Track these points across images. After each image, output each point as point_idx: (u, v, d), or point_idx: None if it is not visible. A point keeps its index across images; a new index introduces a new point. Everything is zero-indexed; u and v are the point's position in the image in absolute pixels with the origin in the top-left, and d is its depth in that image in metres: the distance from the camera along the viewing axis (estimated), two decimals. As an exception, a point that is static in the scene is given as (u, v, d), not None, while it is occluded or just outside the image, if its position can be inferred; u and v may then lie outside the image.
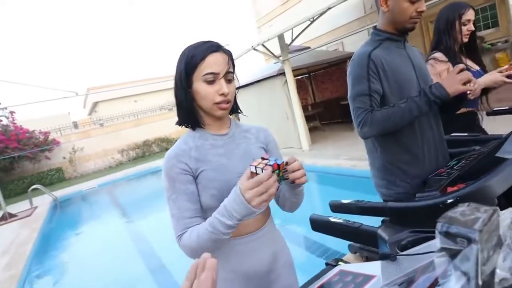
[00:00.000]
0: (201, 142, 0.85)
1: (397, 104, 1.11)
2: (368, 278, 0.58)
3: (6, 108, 10.87)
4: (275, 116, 7.16)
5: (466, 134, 1.47)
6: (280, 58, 6.30)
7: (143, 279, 3.14)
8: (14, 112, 11.16)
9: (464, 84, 1.02)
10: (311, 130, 7.69)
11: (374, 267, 0.64)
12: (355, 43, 8.32)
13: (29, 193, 7.71)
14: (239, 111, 0.95)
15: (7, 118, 10.97)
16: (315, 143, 6.93)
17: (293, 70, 6.47)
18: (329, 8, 4.58)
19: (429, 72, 1.68)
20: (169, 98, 19.47)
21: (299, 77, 10.00)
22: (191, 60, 0.78)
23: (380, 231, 0.87)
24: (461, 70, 1.03)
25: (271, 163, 0.68)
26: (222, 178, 0.80)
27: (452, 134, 1.51)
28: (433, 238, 0.67)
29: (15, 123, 11.05)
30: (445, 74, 1.65)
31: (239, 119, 9.75)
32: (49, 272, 4.03)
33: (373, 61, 1.15)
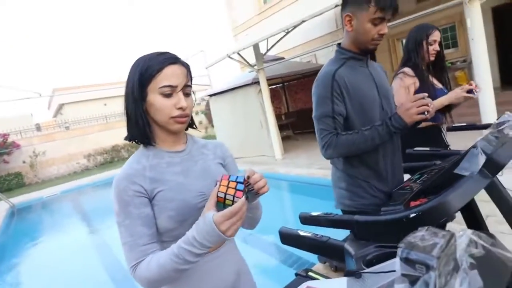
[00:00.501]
0: (156, 161, 0.79)
1: (361, 131, 1.14)
2: (333, 296, 0.58)
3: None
4: (249, 124, 7.19)
5: (428, 148, 1.55)
6: (255, 67, 6.37)
7: None
8: (-32, 112, 10.30)
9: (421, 111, 1.06)
10: (284, 139, 7.80)
11: (339, 284, 0.64)
12: (327, 56, 8.61)
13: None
14: (194, 126, 0.90)
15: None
16: (288, 152, 7.02)
17: (267, 80, 6.56)
18: (303, 21, 4.70)
19: (398, 85, 1.77)
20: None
21: (273, 87, 10.16)
22: (146, 71, 0.73)
23: (346, 245, 0.87)
24: (417, 99, 1.07)
25: (239, 186, 0.66)
26: (180, 198, 0.75)
27: (415, 148, 1.58)
28: (396, 254, 0.69)
29: (-32, 124, 10.19)
30: (412, 88, 1.74)
31: (212, 126, 9.65)
32: (4, 284, 3.73)
33: (337, 82, 1.16)
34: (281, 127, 7.64)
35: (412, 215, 0.84)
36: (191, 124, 0.88)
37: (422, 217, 0.82)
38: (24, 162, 11.47)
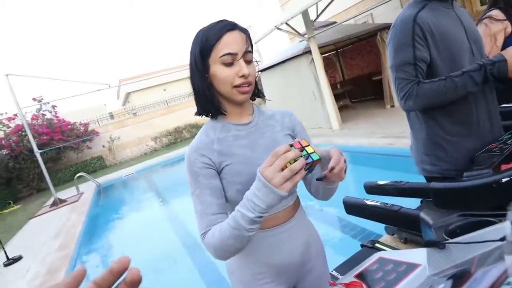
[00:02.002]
0: (223, 134, 0.79)
1: (450, 77, 0.99)
2: (411, 267, 0.53)
3: (48, 103, 11.63)
4: (302, 97, 6.98)
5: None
6: (305, 36, 6.05)
7: (179, 255, 3.37)
8: (56, 106, 11.92)
9: None
10: (341, 109, 7.42)
11: (417, 255, 0.58)
12: (386, 14, 7.76)
13: (75, 180, 8.32)
14: (261, 95, 0.88)
15: (50, 112, 11.75)
16: (346, 122, 6.69)
17: (319, 48, 6.20)
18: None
19: (482, 33, 1.49)
20: (197, 84, 19.67)
21: (326, 55, 9.61)
22: (206, 42, 0.72)
23: (423, 215, 0.79)
24: None
25: (309, 159, 0.60)
26: (248, 172, 0.74)
27: (502, 105, 1.35)
28: (486, 223, 0.60)
29: (57, 116, 11.82)
30: (501, 36, 1.46)
31: (265, 102, 9.64)
32: (96, 251, 4.40)
33: (419, 25, 1.03)
34: (337, 97, 7.26)
35: (504, 180, 0.72)
36: (258, 94, 0.86)
37: (518, 182, 0.70)
38: (103, 146, 13.03)
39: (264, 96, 0.90)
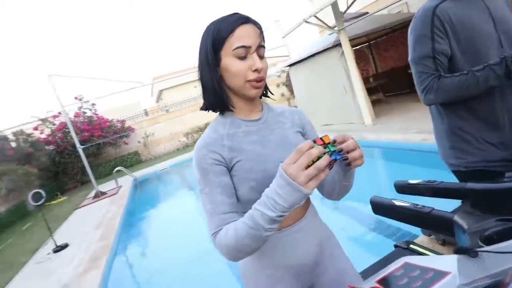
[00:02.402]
0: (233, 130, 0.77)
1: (471, 71, 0.94)
2: (440, 274, 0.50)
3: (88, 101, 12.41)
4: (332, 92, 6.82)
5: None
6: (335, 28, 5.88)
7: (212, 246, 3.47)
8: (95, 104, 12.69)
9: None
10: (374, 103, 7.15)
11: (447, 262, 0.55)
12: (422, 2, 7.31)
13: (114, 174, 8.83)
14: (269, 94, 0.86)
15: (90, 110, 12.54)
16: (379, 116, 6.44)
17: (350, 40, 6.00)
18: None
19: None
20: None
21: (357, 47, 9.28)
22: (218, 34, 0.69)
23: (457, 218, 0.75)
24: None
25: (333, 156, 0.58)
26: (260, 168, 0.72)
27: None
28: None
29: (97, 114, 12.59)
30: None
31: (294, 96, 9.51)
32: (134, 241, 4.68)
33: (439, 17, 0.99)
34: (369, 91, 7.01)
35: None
36: (265, 93, 0.85)
37: None
38: (139, 142, 13.68)
39: (273, 95, 0.88)
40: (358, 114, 6.33)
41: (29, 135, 10.77)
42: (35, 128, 11.16)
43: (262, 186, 0.68)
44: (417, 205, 0.98)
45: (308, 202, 0.86)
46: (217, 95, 0.75)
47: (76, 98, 11.95)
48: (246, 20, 0.70)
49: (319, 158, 0.55)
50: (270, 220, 0.58)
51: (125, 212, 5.84)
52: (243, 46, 0.69)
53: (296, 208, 0.72)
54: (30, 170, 9.28)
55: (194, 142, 14.48)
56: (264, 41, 0.74)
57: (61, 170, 11.43)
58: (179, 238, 4.18)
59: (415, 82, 1.08)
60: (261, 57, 0.72)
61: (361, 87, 6.00)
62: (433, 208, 0.93)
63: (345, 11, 5.90)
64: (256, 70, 0.70)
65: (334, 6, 5.77)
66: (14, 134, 10.65)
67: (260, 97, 0.83)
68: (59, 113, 11.05)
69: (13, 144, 10.38)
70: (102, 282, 3.12)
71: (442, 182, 0.93)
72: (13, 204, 8.19)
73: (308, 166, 0.54)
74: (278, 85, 15.87)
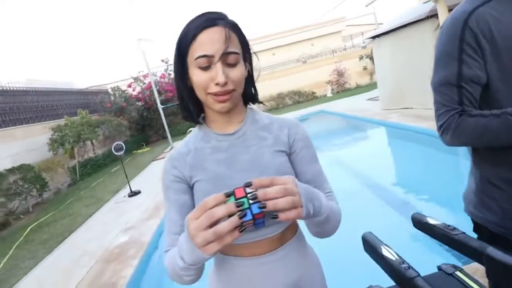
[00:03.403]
0: (202, 145, 0.69)
1: (506, 113, 0.67)
2: None
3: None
4: (422, 71, 5.93)
5: None
6: (434, -6, 4.97)
7: None
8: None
9: None
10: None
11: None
12: None
13: (187, 133, 9.65)
14: (256, 100, 0.74)
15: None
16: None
17: (449, 10, 5.01)
18: None
19: None
20: (305, 50, 19.28)
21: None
22: (182, 41, 0.62)
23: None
24: None
25: (248, 214, 0.46)
26: (216, 192, 0.59)
27: None
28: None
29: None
30: None
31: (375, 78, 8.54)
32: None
33: (472, 30, 0.70)
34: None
35: None
36: (253, 98, 0.73)
37: None
38: (214, 106, 14.56)
39: (261, 102, 0.76)
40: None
41: (123, 91, 12.43)
42: (129, 85, 12.81)
43: None
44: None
45: (291, 231, 0.71)
46: (183, 106, 0.69)
47: (162, 60, 13.10)
48: (210, 23, 0.60)
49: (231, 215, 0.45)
50: (181, 268, 0.54)
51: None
52: (204, 56, 0.59)
53: (265, 238, 0.65)
54: (122, 121, 10.83)
55: (266, 111, 14.66)
56: (242, 44, 0.65)
57: (147, 124, 13.06)
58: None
59: (434, 111, 0.82)
60: (231, 65, 0.61)
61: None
62: (463, 232, 0.77)
63: (449, -26, 4.90)
64: (217, 84, 0.60)
65: (435, -32, 4.84)
66: (112, 89, 12.42)
67: (247, 105, 0.74)
68: (147, 74, 12.39)
69: (112, 98, 12.17)
70: (157, 230, 3.56)
71: (463, 233, 0.75)
72: (108, 149, 9.77)
73: (214, 224, 0.46)
74: (361, 57, 14.58)
